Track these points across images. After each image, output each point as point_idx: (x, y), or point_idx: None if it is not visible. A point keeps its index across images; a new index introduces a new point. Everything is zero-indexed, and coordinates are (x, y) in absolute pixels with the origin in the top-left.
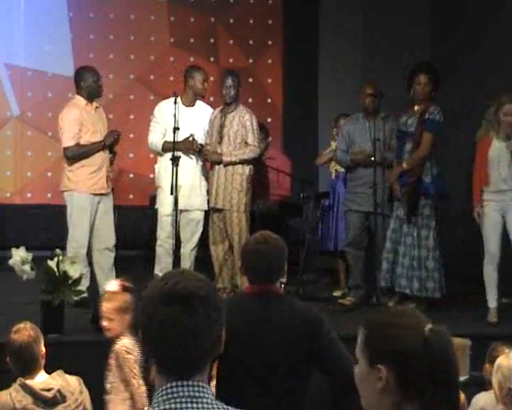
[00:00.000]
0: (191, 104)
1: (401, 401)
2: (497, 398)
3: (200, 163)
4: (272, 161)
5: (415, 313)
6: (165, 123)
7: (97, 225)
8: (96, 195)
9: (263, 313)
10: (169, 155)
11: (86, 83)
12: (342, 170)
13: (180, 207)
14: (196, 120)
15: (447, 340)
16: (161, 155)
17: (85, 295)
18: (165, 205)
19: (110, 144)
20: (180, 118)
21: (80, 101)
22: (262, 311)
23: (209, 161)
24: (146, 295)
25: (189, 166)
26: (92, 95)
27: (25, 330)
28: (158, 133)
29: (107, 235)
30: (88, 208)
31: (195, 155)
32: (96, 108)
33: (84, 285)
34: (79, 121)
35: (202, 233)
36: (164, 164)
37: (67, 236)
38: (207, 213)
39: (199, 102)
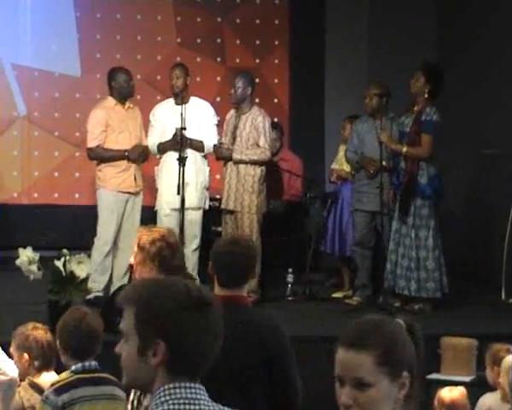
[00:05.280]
0: (183, 103)
1: (407, 403)
2: (506, 397)
3: (200, 161)
4: (284, 162)
5: (384, 316)
6: (161, 125)
7: (124, 224)
8: (124, 193)
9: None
10: (166, 156)
11: (117, 83)
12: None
13: (177, 205)
14: (188, 116)
15: (419, 328)
16: (161, 157)
17: (100, 294)
18: (163, 205)
19: (136, 158)
20: (171, 117)
21: (109, 101)
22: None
23: (220, 157)
24: (168, 303)
25: (189, 165)
26: (123, 95)
27: (42, 327)
28: (154, 137)
29: (131, 235)
30: (115, 206)
31: (185, 148)
32: (129, 108)
33: (101, 283)
34: (104, 122)
35: (207, 233)
36: (162, 165)
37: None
38: (211, 214)
39: (192, 99)
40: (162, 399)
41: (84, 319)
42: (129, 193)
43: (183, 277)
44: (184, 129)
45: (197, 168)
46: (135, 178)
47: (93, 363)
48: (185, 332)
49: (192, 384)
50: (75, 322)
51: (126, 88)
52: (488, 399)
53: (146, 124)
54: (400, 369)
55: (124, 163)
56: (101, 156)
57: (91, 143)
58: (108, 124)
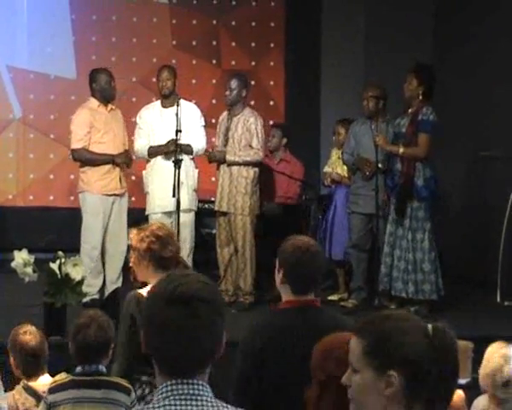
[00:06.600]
0: (170, 105)
1: (408, 406)
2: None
3: (189, 163)
4: (285, 162)
5: (412, 316)
6: (148, 128)
7: (110, 226)
8: (109, 196)
9: (306, 328)
10: (155, 159)
11: (98, 85)
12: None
13: (169, 208)
14: (176, 118)
15: (450, 336)
16: (148, 160)
17: (96, 296)
18: (155, 209)
19: (122, 164)
20: (159, 119)
21: (92, 102)
22: (304, 325)
23: (214, 160)
24: (150, 295)
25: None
26: (105, 97)
27: (33, 332)
28: (142, 140)
29: (119, 237)
30: (100, 210)
31: (180, 154)
32: (112, 109)
33: (96, 286)
34: (88, 123)
35: (202, 236)
36: (151, 169)
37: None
38: (204, 216)
39: (180, 102)
40: (164, 395)
41: (83, 328)
42: (114, 195)
43: (178, 267)
44: (180, 131)
45: (187, 170)
46: (120, 180)
47: (94, 366)
48: (152, 326)
49: (195, 381)
50: (74, 329)
51: (108, 89)
52: (482, 401)
53: (133, 126)
54: (387, 366)
55: (108, 165)
56: (86, 158)
57: (76, 145)
58: (93, 125)
